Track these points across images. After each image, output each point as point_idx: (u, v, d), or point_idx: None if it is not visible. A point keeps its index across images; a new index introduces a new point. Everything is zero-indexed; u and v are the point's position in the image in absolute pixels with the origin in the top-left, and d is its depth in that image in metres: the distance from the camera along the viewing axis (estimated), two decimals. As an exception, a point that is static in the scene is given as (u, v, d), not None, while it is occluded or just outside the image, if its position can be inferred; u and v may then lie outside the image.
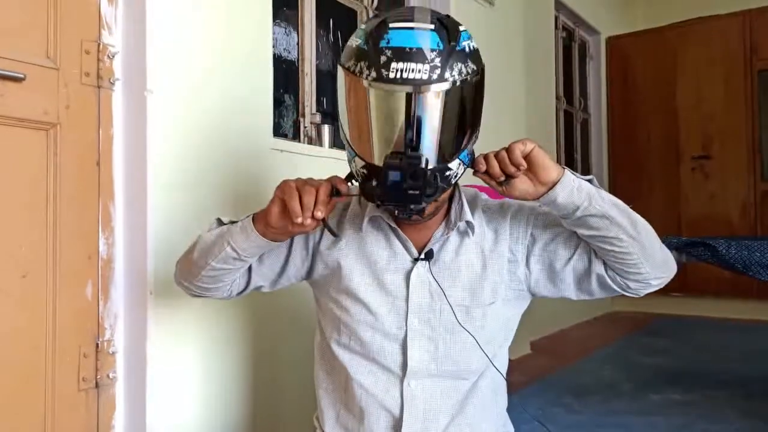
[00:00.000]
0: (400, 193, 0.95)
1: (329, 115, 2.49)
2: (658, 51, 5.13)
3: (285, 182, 1.03)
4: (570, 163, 4.89)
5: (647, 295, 1.14)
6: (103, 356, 1.57)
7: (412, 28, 0.98)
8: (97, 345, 1.56)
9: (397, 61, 0.95)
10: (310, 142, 2.36)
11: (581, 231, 1.07)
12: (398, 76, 0.95)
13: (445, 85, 0.96)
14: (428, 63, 0.95)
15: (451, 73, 0.97)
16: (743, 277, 2.52)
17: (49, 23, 1.48)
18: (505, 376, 1.22)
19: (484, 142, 1.11)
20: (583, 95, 5.20)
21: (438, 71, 0.96)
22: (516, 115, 3.45)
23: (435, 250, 1.14)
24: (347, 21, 2.69)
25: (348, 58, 1.02)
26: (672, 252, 2.53)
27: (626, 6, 5.55)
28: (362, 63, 0.98)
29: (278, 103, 2.24)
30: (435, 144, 0.99)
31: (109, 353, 1.58)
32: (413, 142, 0.96)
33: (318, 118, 2.38)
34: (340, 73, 1.04)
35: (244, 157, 1.84)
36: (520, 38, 3.58)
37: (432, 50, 0.96)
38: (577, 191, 1.02)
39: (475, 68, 1.01)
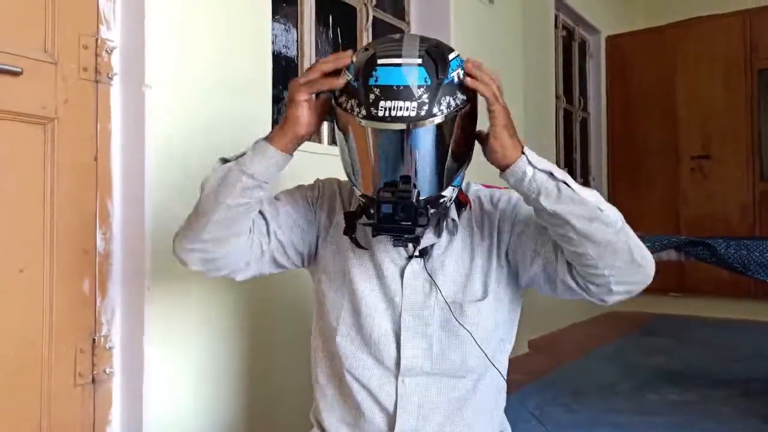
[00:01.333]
0: (393, 224, 0.98)
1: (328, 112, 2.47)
2: (657, 50, 5.12)
3: (291, 85, 1.09)
4: (569, 162, 4.88)
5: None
6: (100, 352, 1.56)
7: (399, 65, 0.98)
8: (94, 340, 1.55)
9: (386, 100, 0.96)
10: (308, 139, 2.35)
11: (540, 221, 1.06)
12: (387, 114, 0.96)
13: (434, 120, 0.97)
14: (416, 100, 0.96)
15: (439, 108, 0.97)
16: (742, 277, 2.52)
17: (47, 17, 1.47)
18: (505, 378, 1.22)
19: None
20: (582, 94, 5.19)
21: (426, 107, 0.96)
22: (515, 113, 3.41)
23: (428, 246, 1.15)
24: (347, 17, 2.68)
25: (340, 93, 1.03)
26: (671, 251, 2.54)
27: (626, 5, 5.54)
28: (352, 101, 1.00)
29: (277, 99, 2.24)
30: (426, 176, 1.02)
31: (105, 349, 1.57)
32: (404, 176, 0.99)
33: (317, 115, 2.37)
34: (334, 107, 1.05)
35: (242, 153, 1.82)
36: (520, 36, 3.57)
37: (419, 86, 0.96)
38: (528, 182, 1.01)
39: (464, 98, 1.01)
